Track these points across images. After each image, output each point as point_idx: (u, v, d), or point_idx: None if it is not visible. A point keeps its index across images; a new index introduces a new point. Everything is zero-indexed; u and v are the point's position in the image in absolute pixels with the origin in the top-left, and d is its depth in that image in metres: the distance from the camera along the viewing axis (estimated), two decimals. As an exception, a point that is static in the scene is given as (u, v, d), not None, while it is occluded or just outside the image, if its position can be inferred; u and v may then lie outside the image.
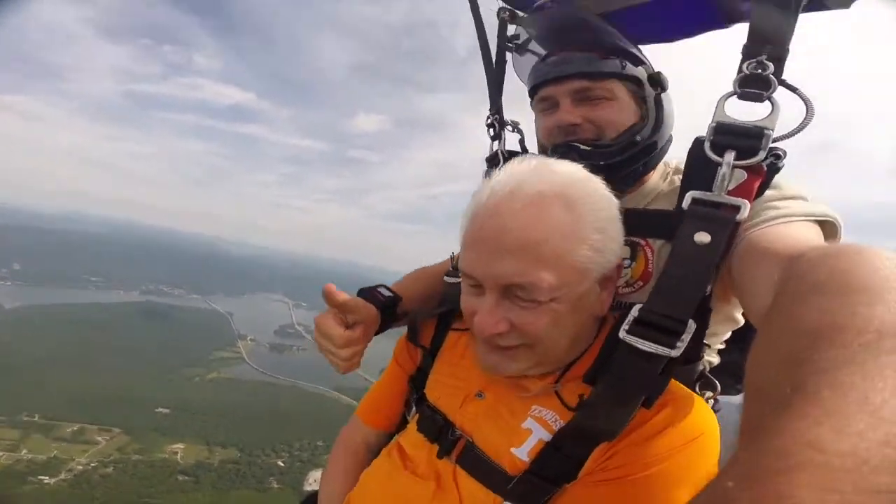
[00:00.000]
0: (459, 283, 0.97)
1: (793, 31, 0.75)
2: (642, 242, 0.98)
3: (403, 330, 1.16)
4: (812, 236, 0.74)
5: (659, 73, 1.02)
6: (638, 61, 1.02)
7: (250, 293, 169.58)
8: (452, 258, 1.18)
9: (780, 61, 0.75)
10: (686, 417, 0.69)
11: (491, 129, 1.29)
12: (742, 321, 0.98)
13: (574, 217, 0.69)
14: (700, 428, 0.69)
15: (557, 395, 0.78)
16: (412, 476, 0.88)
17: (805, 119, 0.74)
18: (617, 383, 0.69)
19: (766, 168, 0.76)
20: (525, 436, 0.78)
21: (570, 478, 0.73)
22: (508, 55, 1.30)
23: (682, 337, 0.66)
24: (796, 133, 0.75)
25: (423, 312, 1.12)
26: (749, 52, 0.76)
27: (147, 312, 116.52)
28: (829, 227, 0.77)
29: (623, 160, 0.97)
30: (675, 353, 0.65)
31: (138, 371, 76.64)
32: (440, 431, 0.89)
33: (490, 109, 1.29)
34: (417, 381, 1.05)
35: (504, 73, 1.28)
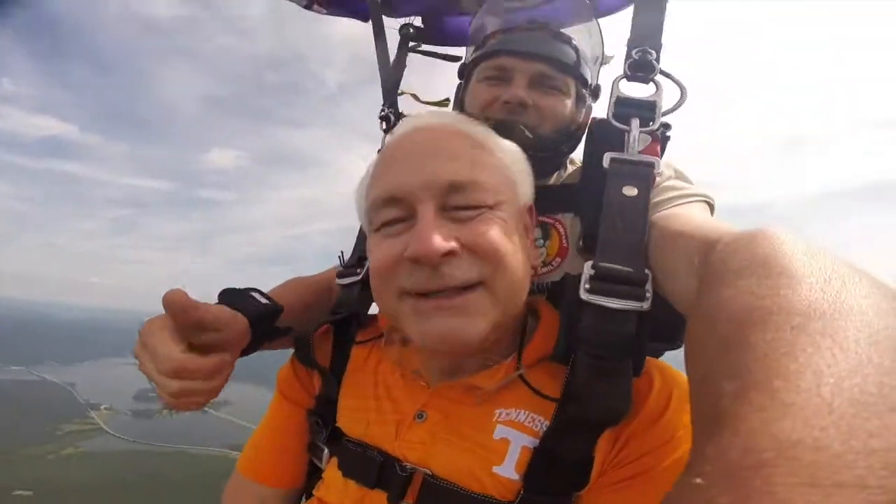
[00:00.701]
0: (355, 283, 0.87)
1: (663, 25, 0.83)
2: (551, 221, 0.96)
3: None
4: (711, 218, 0.78)
5: (599, 85, 1.04)
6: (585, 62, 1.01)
7: (92, 360, 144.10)
8: (340, 257, 1.01)
9: (658, 50, 0.81)
10: (679, 385, 0.63)
11: (384, 122, 1.22)
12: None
13: (491, 148, 0.69)
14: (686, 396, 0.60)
15: (524, 382, 0.66)
16: None
17: (680, 100, 0.81)
18: (599, 352, 0.60)
19: (660, 136, 0.80)
20: (503, 449, 0.63)
21: (580, 483, 0.61)
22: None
23: (647, 286, 0.61)
24: (675, 110, 0.81)
25: (313, 324, 0.87)
26: (634, 42, 0.81)
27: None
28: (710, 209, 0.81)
29: (552, 155, 0.97)
30: (645, 305, 0.59)
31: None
32: (382, 470, 0.67)
33: (384, 103, 1.24)
34: (323, 414, 0.80)
35: (402, 74, 1.30)
